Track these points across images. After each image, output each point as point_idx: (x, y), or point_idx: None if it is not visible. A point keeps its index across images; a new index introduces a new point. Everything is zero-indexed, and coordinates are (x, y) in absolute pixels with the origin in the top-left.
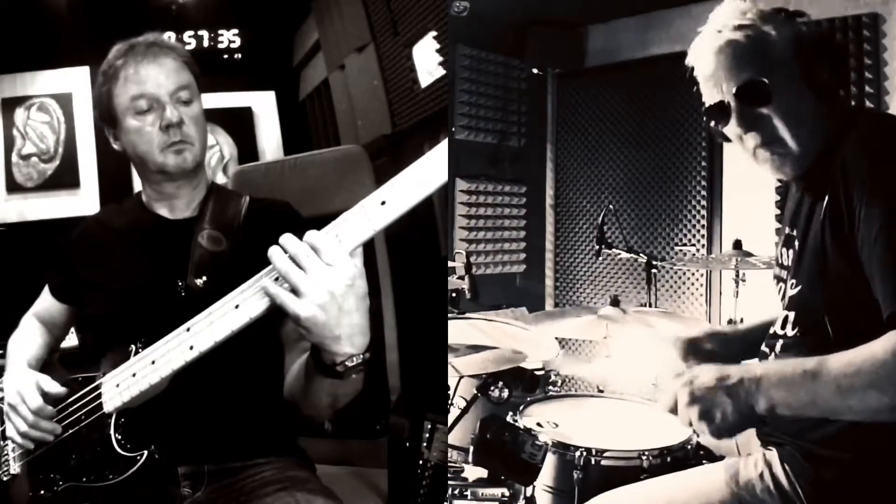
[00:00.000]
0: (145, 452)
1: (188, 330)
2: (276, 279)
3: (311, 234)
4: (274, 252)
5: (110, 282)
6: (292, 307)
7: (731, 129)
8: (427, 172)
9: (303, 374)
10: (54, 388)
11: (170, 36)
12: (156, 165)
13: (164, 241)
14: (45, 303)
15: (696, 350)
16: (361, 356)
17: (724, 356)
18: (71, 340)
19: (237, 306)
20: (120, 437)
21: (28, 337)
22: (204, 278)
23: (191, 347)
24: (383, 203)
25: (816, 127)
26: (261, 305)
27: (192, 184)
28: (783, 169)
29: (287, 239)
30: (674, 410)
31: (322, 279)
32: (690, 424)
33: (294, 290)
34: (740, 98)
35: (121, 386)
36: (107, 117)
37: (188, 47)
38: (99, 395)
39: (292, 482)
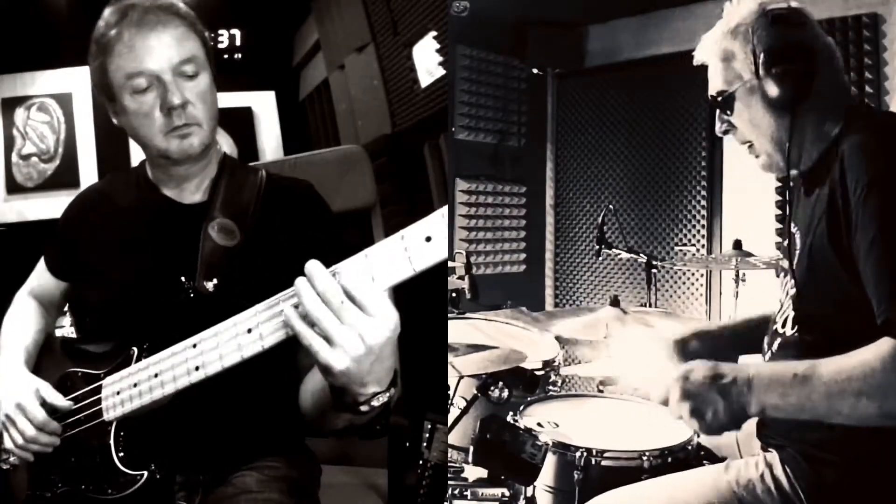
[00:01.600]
0: (146, 473)
1: (195, 346)
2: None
3: (345, 274)
4: (303, 288)
5: (111, 269)
6: (324, 357)
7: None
8: None
9: (319, 397)
10: (57, 400)
11: None
12: (158, 151)
13: (171, 229)
14: (41, 279)
15: (683, 350)
16: (387, 394)
17: (710, 355)
18: (68, 332)
19: (250, 330)
20: (121, 454)
21: (23, 323)
22: (214, 281)
23: (197, 368)
24: (428, 239)
25: (782, 139)
26: (277, 336)
27: (201, 164)
28: (766, 169)
29: (315, 271)
30: (666, 402)
31: (361, 332)
32: (681, 418)
33: (326, 337)
34: (713, 104)
35: (122, 394)
36: (103, 91)
37: None
38: (99, 400)
39: (248, 488)
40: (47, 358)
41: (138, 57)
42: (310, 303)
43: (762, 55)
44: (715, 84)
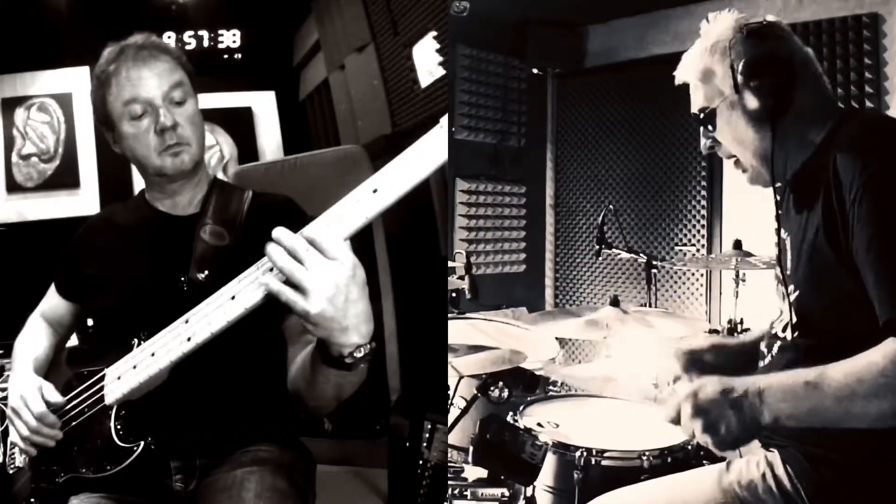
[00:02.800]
0: (142, 443)
1: (186, 322)
2: (276, 274)
3: (306, 228)
4: (272, 249)
5: (113, 277)
6: (301, 304)
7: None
8: (418, 160)
9: (308, 366)
10: (54, 396)
11: (169, 36)
12: (154, 169)
13: (166, 237)
14: (51, 302)
15: (696, 362)
16: (368, 346)
17: (727, 369)
18: (73, 340)
19: (233, 297)
20: (119, 428)
21: (34, 338)
22: (206, 272)
23: (188, 339)
24: (375, 191)
25: (766, 151)
26: (257, 295)
27: (192, 181)
28: (753, 182)
29: (282, 233)
30: (676, 421)
31: (326, 273)
32: (694, 436)
33: (298, 287)
34: (697, 120)
35: (122, 378)
36: (104, 122)
37: (188, 47)
38: (101, 388)
39: (243, 464)
40: (55, 370)
41: (134, 86)
42: (280, 259)
43: (740, 70)
44: (696, 102)
